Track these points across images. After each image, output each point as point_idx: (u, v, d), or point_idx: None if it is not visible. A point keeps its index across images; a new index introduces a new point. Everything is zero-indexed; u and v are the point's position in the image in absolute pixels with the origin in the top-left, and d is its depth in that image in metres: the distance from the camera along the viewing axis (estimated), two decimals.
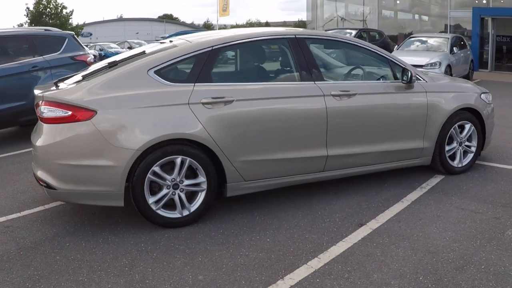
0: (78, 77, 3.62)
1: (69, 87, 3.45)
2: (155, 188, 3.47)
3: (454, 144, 4.62)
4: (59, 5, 48.11)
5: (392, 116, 4.18)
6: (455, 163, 4.64)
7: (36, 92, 3.55)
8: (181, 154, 3.43)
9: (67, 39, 6.73)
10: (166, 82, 3.47)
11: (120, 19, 72.55)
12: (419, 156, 4.42)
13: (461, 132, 4.63)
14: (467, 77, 13.91)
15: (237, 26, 71.89)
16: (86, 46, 30.63)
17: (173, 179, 3.45)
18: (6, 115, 6.01)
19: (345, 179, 4.35)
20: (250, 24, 72.63)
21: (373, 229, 3.46)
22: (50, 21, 45.96)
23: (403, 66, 4.24)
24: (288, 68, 3.97)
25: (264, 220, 3.67)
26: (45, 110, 3.32)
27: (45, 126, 3.36)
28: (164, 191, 3.46)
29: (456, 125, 4.55)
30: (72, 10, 49.50)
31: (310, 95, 3.82)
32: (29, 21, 47.61)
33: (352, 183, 4.38)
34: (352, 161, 4.08)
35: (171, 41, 4.03)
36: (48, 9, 47.23)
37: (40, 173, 3.42)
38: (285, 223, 3.59)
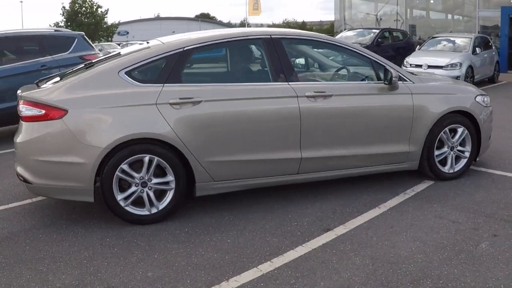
0: (57, 77, 3.77)
1: (47, 87, 3.60)
2: (125, 186, 3.56)
3: (445, 149, 4.43)
4: (94, 4, 49.69)
5: (373, 118, 4.07)
6: (445, 169, 4.46)
7: (18, 92, 3.73)
8: (149, 153, 3.50)
9: (76, 39, 6.98)
10: (136, 83, 3.55)
11: (157, 18, 74.04)
12: (405, 161, 4.29)
13: (453, 136, 4.44)
14: (492, 78, 13.26)
15: (273, 25, 71.82)
16: (119, 44, 30.92)
17: (141, 177, 3.54)
18: (15, 113, 6.31)
19: (330, 182, 4.29)
20: (286, 24, 71.99)
21: (338, 235, 3.40)
22: (86, 20, 47.66)
23: (385, 67, 4.11)
24: (261, 69, 3.95)
25: (232, 220, 3.68)
26: (23, 109, 3.48)
27: (24, 124, 3.53)
28: (133, 188, 3.54)
29: (447, 129, 4.36)
30: (107, 9, 50.94)
31: (282, 96, 3.79)
32: (65, 20, 49.43)
33: (336, 186, 4.31)
34: (330, 164, 4.02)
35: (147, 42, 4.10)
36: (83, 8, 48.83)
37: (19, 169, 3.60)
38: (251, 225, 3.59)
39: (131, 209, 3.57)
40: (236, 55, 4.15)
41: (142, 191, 3.56)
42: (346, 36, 14.83)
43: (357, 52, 4.19)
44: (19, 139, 3.54)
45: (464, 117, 4.42)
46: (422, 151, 4.30)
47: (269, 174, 3.86)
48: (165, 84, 3.58)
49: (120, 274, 2.92)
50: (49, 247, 3.29)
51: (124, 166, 3.48)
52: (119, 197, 3.52)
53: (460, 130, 4.44)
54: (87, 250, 3.23)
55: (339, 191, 4.24)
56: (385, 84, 4.06)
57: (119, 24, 56.05)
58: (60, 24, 50.90)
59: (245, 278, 2.85)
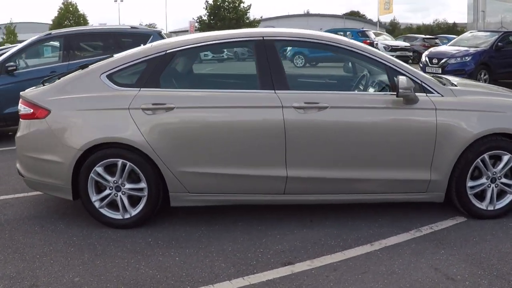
0: (57, 78, 3.95)
1: (42, 87, 3.80)
2: (101, 188, 3.60)
3: (483, 180, 3.53)
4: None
5: (380, 137, 3.41)
6: (483, 205, 3.55)
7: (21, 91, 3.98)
8: (121, 158, 3.47)
9: (152, 36, 7.28)
10: (114, 86, 3.53)
11: (306, 14, 74.11)
12: (425, 191, 3.52)
13: (495, 165, 3.51)
14: None
15: (423, 25, 66.72)
16: None
17: (115, 181, 3.53)
18: None
19: (341, 205, 3.77)
20: (436, 25, 65.64)
21: (293, 272, 2.94)
22: (228, 15, 49.99)
23: (402, 73, 3.40)
24: (248, 75, 3.59)
25: (201, 236, 3.46)
26: (21, 108, 3.73)
27: (21, 122, 3.78)
28: (107, 191, 3.56)
29: (486, 155, 3.46)
30: (250, 5, 52.62)
31: (264, 106, 3.40)
32: (207, 14, 52.29)
33: (344, 211, 3.75)
34: (323, 186, 3.50)
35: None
36: (226, 2, 51.07)
37: (17, 162, 3.89)
38: (215, 245, 3.31)
39: (105, 211, 3.60)
40: (221, 58, 3.86)
41: (116, 195, 3.56)
42: (463, 38, 13.02)
43: (366, 56, 3.54)
44: (17, 135, 3.81)
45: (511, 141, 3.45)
46: (450, 181, 3.49)
47: (250, 192, 3.52)
48: (141, 89, 3.50)
49: (53, 274, 2.96)
50: (23, 238, 3.48)
51: (98, 168, 3.50)
52: (94, 198, 3.57)
53: (506, 158, 3.49)
54: (47, 246, 3.35)
55: (341, 218, 3.68)
56: (394, 95, 3.36)
57: (261, 20, 58.04)
58: (203, 18, 54.52)
59: None
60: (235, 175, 3.45)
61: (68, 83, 3.64)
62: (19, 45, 7.41)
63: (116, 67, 3.58)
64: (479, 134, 3.41)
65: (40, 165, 3.62)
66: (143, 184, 3.51)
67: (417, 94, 3.43)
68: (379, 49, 10.92)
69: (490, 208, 3.56)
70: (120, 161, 3.48)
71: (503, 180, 3.54)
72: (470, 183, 3.51)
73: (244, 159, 3.43)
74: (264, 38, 3.53)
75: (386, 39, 23.99)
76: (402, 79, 3.26)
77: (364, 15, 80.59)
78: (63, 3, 54.52)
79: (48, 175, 3.61)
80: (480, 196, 3.58)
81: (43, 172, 3.63)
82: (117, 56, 3.79)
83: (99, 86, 3.54)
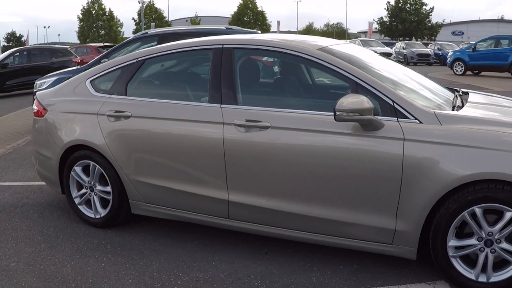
0: None
1: (50, 88, 4.21)
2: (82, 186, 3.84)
3: (473, 241, 2.60)
4: (418, 1, 48.96)
5: (329, 168, 2.81)
6: (472, 274, 2.62)
7: None
8: (92, 160, 3.64)
9: None
10: (93, 92, 3.71)
11: (498, 20, 65.20)
12: (390, 242, 2.77)
13: (493, 223, 2.55)
14: None
15: None
16: (447, 44, 29.05)
17: (89, 182, 3.73)
18: None
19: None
20: None
21: None
22: (409, 17, 47.31)
23: (372, 90, 2.76)
24: (201, 85, 3.32)
25: (156, 250, 3.34)
26: (34, 106, 4.22)
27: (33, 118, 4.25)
28: (83, 190, 3.78)
29: (476, 208, 2.54)
30: (432, 7, 49.43)
31: (206, 121, 3.13)
32: (388, 16, 50.60)
33: (313, 249, 3.23)
34: (267, 218, 3.05)
35: None
36: (408, 4, 48.90)
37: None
38: (159, 262, 3.16)
39: (82, 208, 3.83)
40: (183, 67, 3.64)
41: (90, 194, 3.76)
42: None
43: (335, 71, 2.91)
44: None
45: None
46: (423, 235, 2.68)
47: (197, 211, 3.31)
48: (111, 95, 3.59)
49: (7, 257, 3.28)
50: (10, 225, 3.87)
51: (77, 168, 3.75)
52: (75, 194, 3.83)
53: (508, 215, 2.50)
54: (24, 232, 3.70)
55: (300, 256, 3.17)
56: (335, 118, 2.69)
57: (444, 24, 53.88)
58: (384, 19, 53.05)
59: None
60: (181, 191, 3.29)
61: (65, 85, 3.97)
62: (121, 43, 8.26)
63: (98, 73, 3.76)
64: (465, 179, 2.51)
65: (41, 159, 4.04)
66: (109, 188, 3.62)
67: (385, 118, 2.72)
68: None
69: (482, 279, 2.60)
70: (91, 163, 3.65)
71: (504, 245, 2.55)
72: (452, 242, 2.63)
73: (189, 175, 3.24)
74: (224, 46, 3.24)
75: None
76: (344, 98, 2.62)
77: None
78: None
79: (45, 168, 4.01)
80: (465, 260, 2.65)
81: (43, 165, 4.04)
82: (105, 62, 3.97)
83: (84, 91, 3.76)
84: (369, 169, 2.72)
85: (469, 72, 18.58)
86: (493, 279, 2.59)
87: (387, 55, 28.99)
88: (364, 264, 3.02)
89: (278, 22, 56.01)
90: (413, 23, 52.07)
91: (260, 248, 3.30)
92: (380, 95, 2.76)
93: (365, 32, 55.09)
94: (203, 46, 3.37)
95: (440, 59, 27.88)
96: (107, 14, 61.42)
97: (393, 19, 53.34)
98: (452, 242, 2.63)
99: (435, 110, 2.72)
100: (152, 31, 8.27)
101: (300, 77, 3.37)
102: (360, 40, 32.20)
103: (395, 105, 2.73)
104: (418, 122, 2.68)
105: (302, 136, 2.88)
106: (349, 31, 77.67)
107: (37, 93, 4.24)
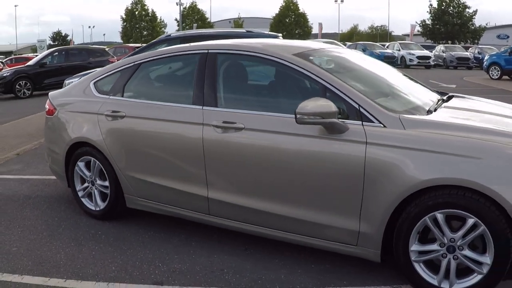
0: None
1: (62, 89, 4.52)
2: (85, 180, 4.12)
3: (435, 246, 2.63)
4: (461, 4, 47.67)
5: (296, 169, 2.92)
6: (435, 280, 2.65)
7: None
8: (92, 156, 3.91)
9: None
10: (95, 93, 3.98)
11: None
12: (355, 244, 2.85)
13: (456, 229, 2.58)
14: None
15: None
16: (488, 48, 28.20)
17: (90, 176, 4.00)
18: None
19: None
20: None
21: None
22: (452, 20, 46.04)
23: (339, 93, 2.86)
24: (187, 88, 3.49)
25: (149, 239, 3.59)
26: (46, 105, 4.53)
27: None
28: (86, 184, 4.06)
29: (438, 214, 2.57)
30: (475, 10, 47.99)
31: (188, 122, 3.32)
32: (431, 18, 49.57)
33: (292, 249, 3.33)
34: (244, 215, 3.20)
35: None
36: (450, 7, 47.68)
37: None
38: (145, 250, 3.40)
39: (84, 201, 4.11)
40: (173, 70, 3.83)
41: (91, 188, 4.03)
42: None
43: (309, 76, 3.02)
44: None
45: (483, 201, 2.47)
46: (385, 238, 2.74)
47: (181, 206, 3.51)
48: (110, 96, 3.84)
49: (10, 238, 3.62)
50: (11, 211, 4.21)
51: (80, 163, 4.04)
52: (78, 187, 4.12)
53: (470, 222, 2.52)
54: (27, 217, 4.05)
55: (277, 254, 3.29)
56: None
57: (488, 27, 52.16)
58: (427, 22, 52.01)
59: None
60: (168, 187, 3.50)
61: (73, 87, 4.27)
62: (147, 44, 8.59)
63: (101, 76, 4.03)
64: (425, 183, 2.56)
65: (51, 154, 4.36)
66: (107, 183, 3.88)
67: (351, 122, 2.80)
68: None
69: (445, 286, 2.63)
70: (92, 159, 3.92)
71: (467, 252, 2.57)
72: (415, 246, 2.68)
73: (174, 173, 3.45)
74: (209, 51, 3.42)
75: None
76: (307, 101, 2.72)
77: None
78: (284, 1, 58.57)
79: (54, 163, 4.32)
80: (429, 265, 2.69)
81: (53, 160, 4.35)
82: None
83: (88, 92, 4.04)
84: (332, 171, 2.81)
85: (505, 77, 17.90)
86: (456, 287, 2.61)
87: (424, 58, 28.34)
88: (336, 265, 3.11)
89: (320, 24, 55.72)
90: (456, 26, 50.61)
91: (242, 245, 3.44)
92: (347, 99, 2.85)
93: (408, 35, 54.01)
94: (191, 51, 3.57)
95: (480, 63, 26.98)
96: (150, 15, 63.23)
97: (436, 22, 52.06)
98: (414, 247, 2.68)
99: (400, 115, 2.77)
100: (175, 33, 8.60)
101: (277, 81, 3.50)
102: (399, 43, 31.52)
103: (361, 109, 2.80)
104: (382, 126, 2.74)
105: (271, 138, 3.01)
106: (393, 34, 76.31)
107: (49, 93, 4.57)
